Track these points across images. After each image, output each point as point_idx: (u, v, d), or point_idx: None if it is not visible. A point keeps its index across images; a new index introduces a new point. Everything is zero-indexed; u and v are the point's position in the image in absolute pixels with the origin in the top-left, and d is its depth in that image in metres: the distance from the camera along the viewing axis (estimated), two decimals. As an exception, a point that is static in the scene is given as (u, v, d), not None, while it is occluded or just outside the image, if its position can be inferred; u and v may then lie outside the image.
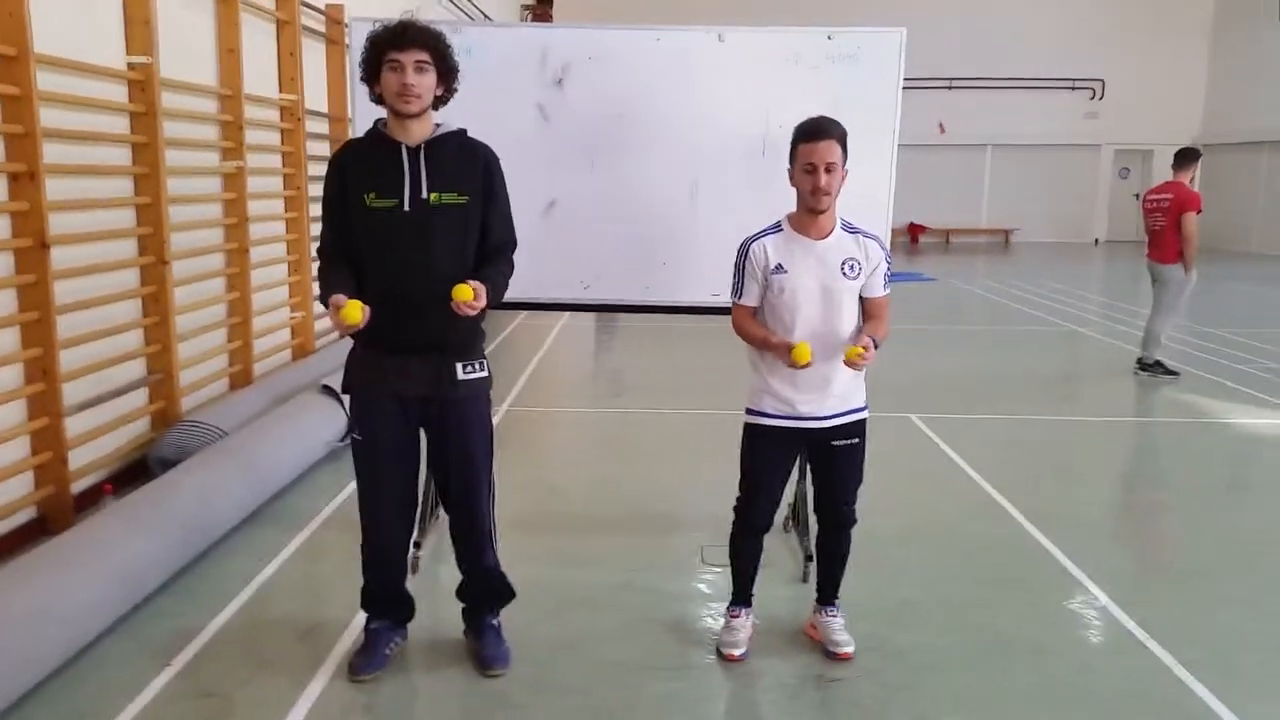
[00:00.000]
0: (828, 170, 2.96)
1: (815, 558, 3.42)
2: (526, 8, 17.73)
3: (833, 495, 3.24)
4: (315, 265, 3.00)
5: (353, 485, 3.19)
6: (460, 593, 3.26)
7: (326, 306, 2.77)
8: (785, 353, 2.93)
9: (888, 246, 3.21)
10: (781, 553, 4.08)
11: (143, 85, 4.87)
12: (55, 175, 4.21)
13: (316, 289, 3.27)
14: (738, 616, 3.33)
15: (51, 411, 4.17)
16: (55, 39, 4.23)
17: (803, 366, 2.91)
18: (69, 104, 4.36)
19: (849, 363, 2.92)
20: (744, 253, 3.13)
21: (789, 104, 3.76)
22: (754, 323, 3.13)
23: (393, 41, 2.78)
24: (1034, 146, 22.77)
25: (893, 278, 3.16)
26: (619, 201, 4.05)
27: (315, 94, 7.36)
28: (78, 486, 4.38)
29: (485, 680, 3.08)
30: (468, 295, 2.72)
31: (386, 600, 3.21)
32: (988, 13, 21.82)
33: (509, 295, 3.05)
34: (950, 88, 22.17)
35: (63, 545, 3.41)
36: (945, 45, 20.73)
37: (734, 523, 3.28)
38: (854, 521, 3.27)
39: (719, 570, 3.79)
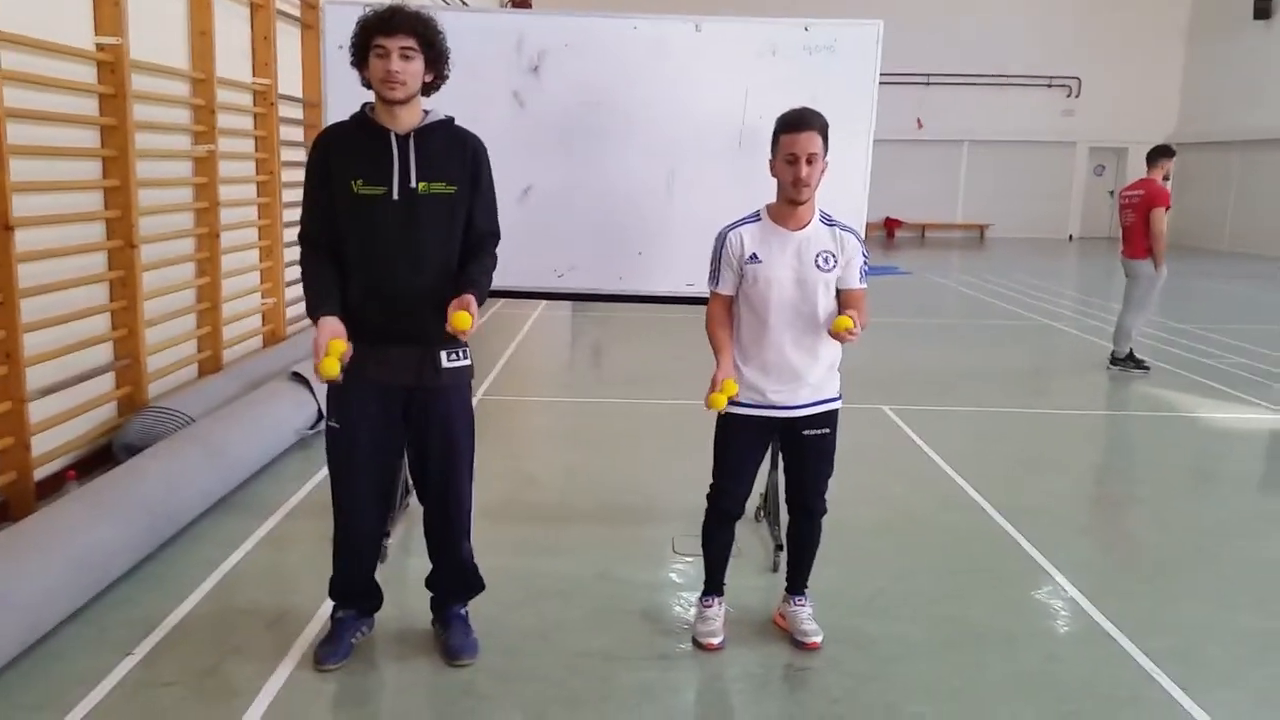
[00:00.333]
0: (809, 161, 2.95)
1: (785, 547, 3.43)
2: (505, -8, 17.58)
3: (803, 484, 3.24)
4: (297, 251, 2.94)
5: (322, 473, 3.16)
6: (430, 582, 3.23)
7: (313, 319, 2.76)
8: (714, 383, 2.98)
9: (863, 239, 3.21)
10: (752, 542, 4.09)
11: (112, 67, 4.79)
12: (20, 156, 4.12)
13: (294, 275, 3.22)
14: (710, 605, 3.33)
15: (14, 396, 4.09)
16: (21, 17, 4.14)
17: (709, 408, 2.99)
18: (35, 84, 4.27)
19: (834, 333, 2.92)
20: (721, 241, 3.13)
21: (766, 94, 3.76)
22: (720, 328, 3.14)
23: (380, 27, 2.74)
24: (1010, 143, 22.95)
25: (868, 271, 3.15)
26: (594, 190, 4.02)
27: (289, 79, 7.27)
28: (41, 473, 4.31)
29: (452, 670, 3.06)
30: (467, 325, 2.71)
31: (356, 590, 3.18)
32: (966, 9, 21.95)
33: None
34: (928, 83, 22.29)
35: (23, 531, 3.35)
36: (923, 41, 20.85)
37: (707, 510, 3.28)
38: (824, 511, 3.27)
39: (690, 560, 3.78)
